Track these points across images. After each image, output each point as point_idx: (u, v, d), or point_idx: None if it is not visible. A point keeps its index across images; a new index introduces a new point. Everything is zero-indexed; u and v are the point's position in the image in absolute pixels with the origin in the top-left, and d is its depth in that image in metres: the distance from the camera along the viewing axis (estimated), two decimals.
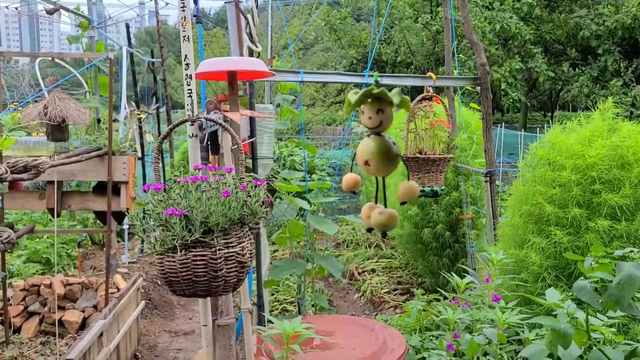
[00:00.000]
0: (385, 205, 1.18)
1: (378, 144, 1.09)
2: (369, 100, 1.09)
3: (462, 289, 2.83)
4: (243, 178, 1.84)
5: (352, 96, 1.09)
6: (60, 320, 4.16)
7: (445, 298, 3.03)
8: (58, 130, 3.79)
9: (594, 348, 1.59)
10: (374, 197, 1.20)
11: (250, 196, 1.77)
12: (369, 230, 1.17)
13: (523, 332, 2.38)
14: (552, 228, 2.65)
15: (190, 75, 2.19)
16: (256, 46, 3.00)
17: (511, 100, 15.06)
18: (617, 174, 2.60)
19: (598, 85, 15.31)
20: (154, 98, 7.10)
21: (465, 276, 2.89)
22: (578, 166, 2.67)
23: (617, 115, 2.82)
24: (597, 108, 2.87)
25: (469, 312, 2.65)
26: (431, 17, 16.57)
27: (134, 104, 6.24)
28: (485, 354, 2.43)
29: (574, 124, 2.89)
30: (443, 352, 2.50)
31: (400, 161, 1.12)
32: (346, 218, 4.08)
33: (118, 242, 6.30)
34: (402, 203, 1.17)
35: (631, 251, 1.62)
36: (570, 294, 2.47)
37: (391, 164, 1.11)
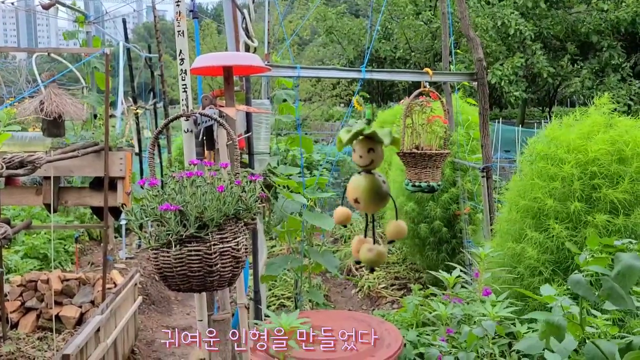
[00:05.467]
0: (374, 241, 1.21)
1: (368, 183, 1.13)
2: (361, 138, 1.11)
3: (451, 284, 2.84)
4: (238, 173, 1.84)
5: (344, 135, 1.12)
6: (57, 316, 4.16)
7: (434, 295, 3.04)
8: (54, 126, 3.79)
9: (588, 342, 1.59)
10: (364, 230, 1.24)
11: (245, 191, 1.77)
12: (358, 262, 1.20)
13: (514, 325, 2.39)
14: (551, 222, 2.65)
15: (185, 70, 2.18)
16: (252, 41, 3.00)
17: (513, 98, 15.03)
18: (616, 169, 2.60)
19: (597, 80, 15.29)
20: (152, 93, 7.08)
21: (454, 272, 2.90)
22: (579, 160, 2.67)
23: (614, 111, 2.82)
24: (593, 103, 2.87)
25: (459, 307, 2.66)
26: (432, 13, 16.50)
27: (131, 99, 6.23)
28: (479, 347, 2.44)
29: (571, 119, 2.89)
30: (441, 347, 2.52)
31: (389, 199, 1.16)
32: None
33: (115, 237, 6.30)
34: (390, 242, 1.20)
35: (630, 242, 1.62)
36: (566, 288, 2.48)
37: (381, 202, 1.16)
